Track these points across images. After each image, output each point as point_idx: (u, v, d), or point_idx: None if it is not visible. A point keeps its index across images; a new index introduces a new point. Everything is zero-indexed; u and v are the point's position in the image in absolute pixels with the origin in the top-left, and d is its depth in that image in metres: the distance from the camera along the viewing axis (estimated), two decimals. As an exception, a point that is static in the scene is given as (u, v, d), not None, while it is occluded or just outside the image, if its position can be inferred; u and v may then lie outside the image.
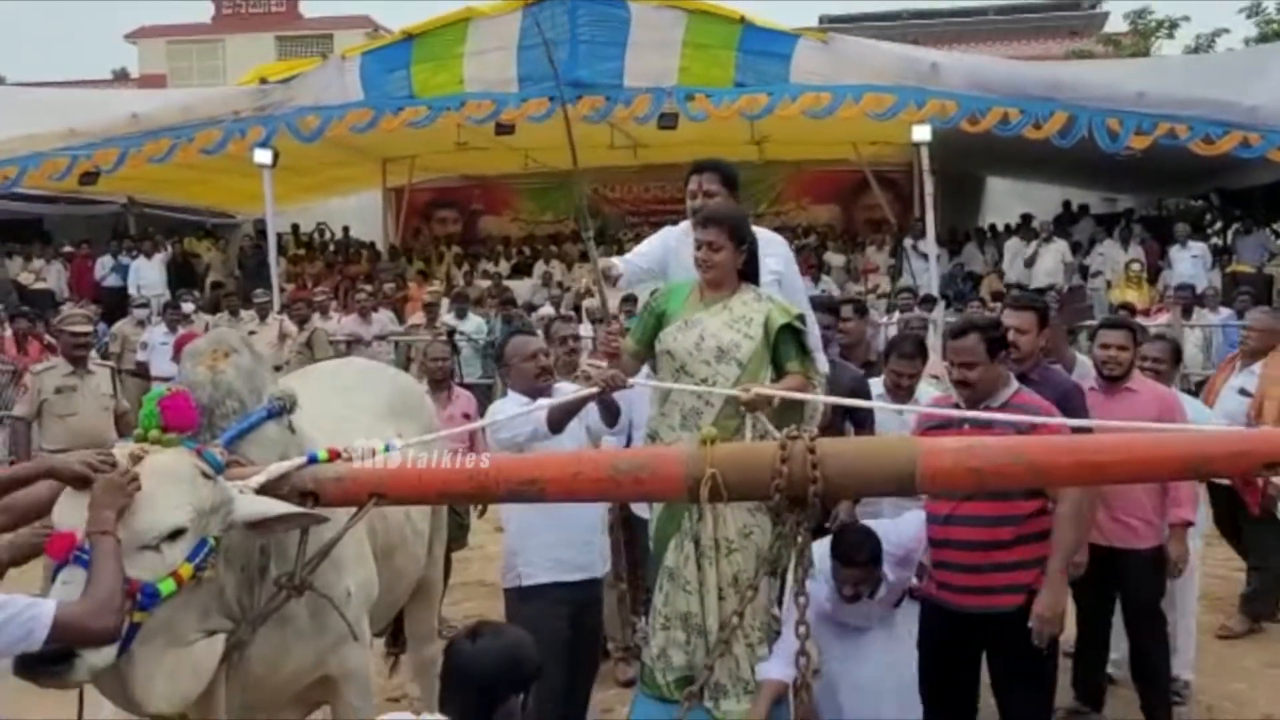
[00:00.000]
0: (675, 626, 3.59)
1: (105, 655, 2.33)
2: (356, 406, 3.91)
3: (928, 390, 4.78)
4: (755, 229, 4.34)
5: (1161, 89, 11.57)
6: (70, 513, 2.46)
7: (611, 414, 3.96)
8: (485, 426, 4.22)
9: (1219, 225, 16.99)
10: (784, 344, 3.62)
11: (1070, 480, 2.86)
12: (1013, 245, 14.56)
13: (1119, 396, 4.51)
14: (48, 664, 2.23)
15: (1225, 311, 11.23)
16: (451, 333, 10.63)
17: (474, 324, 11.80)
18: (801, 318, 3.71)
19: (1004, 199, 18.51)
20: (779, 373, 3.65)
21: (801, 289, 4.43)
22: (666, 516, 3.62)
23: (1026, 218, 15.74)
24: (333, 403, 3.73)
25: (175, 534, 2.46)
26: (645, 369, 4.09)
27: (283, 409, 3.01)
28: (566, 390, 4.16)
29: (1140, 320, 8.95)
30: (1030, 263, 14.14)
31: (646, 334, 3.81)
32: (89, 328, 6.79)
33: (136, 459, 2.51)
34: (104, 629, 2.29)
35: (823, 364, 3.90)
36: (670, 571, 3.60)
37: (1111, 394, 4.53)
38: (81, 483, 2.45)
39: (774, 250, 4.31)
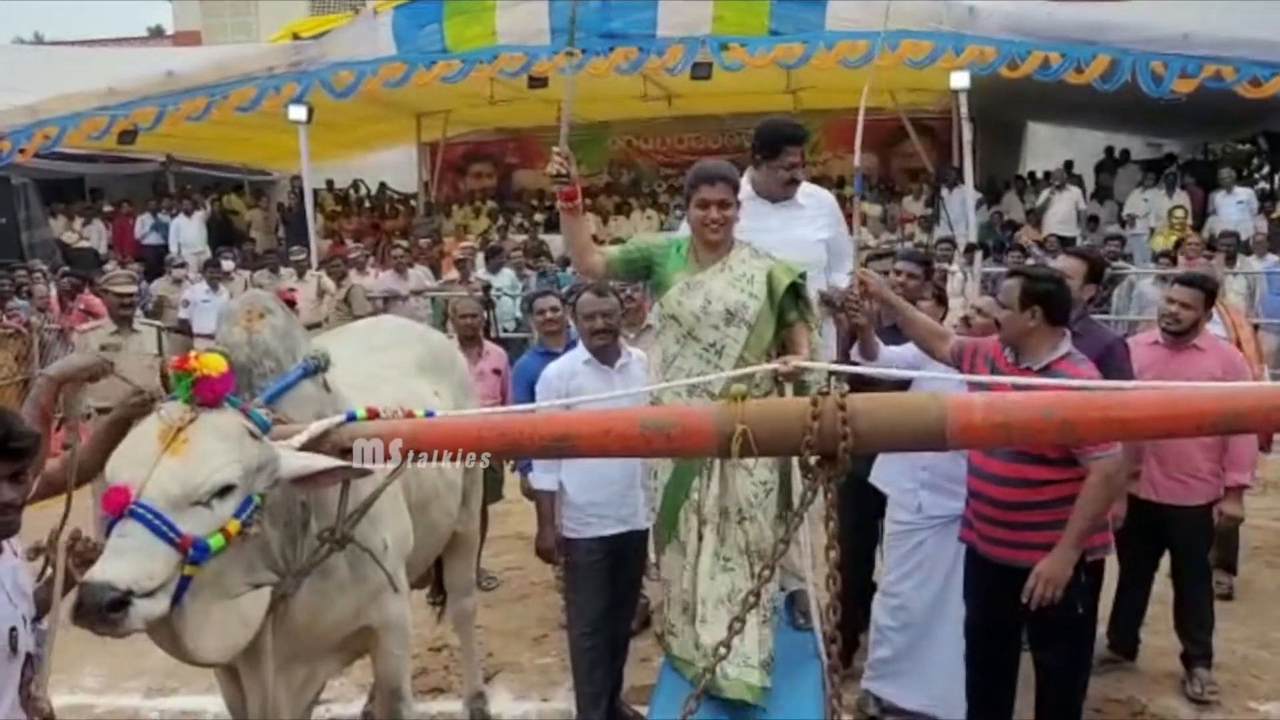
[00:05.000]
0: (677, 601, 3.64)
1: (158, 606, 2.41)
2: (389, 365, 3.97)
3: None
4: (806, 185, 4.33)
5: (1208, 30, 11.26)
6: (124, 467, 2.54)
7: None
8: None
9: (1266, 170, 16.62)
10: (786, 297, 3.57)
11: (1101, 435, 2.84)
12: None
13: (1183, 354, 4.51)
14: (103, 612, 2.32)
15: (1271, 258, 11.01)
16: (487, 288, 10.68)
17: (508, 278, 11.83)
18: (803, 275, 3.65)
19: (1045, 145, 18.20)
20: (780, 325, 3.61)
21: (848, 249, 4.38)
22: (675, 485, 3.59)
23: (1069, 164, 15.51)
24: (366, 361, 3.79)
25: (225, 491, 2.53)
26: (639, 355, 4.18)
27: (317, 367, 3.06)
28: (636, 357, 4.21)
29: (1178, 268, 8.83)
30: (1041, 210, 13.96)
31: (629, 266, 3.74)
32: (133, 288, 6.91)
33: (189, 419, 2.59)
34: None
35: (816, 311, 3.85)
36: (683, 545, 3.60)
37: (1176, 351, 4.52)
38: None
39: (823, 210, 4.27)
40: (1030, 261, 10.79)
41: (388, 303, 10.77)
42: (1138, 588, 4.82)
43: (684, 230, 3.88)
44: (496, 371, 6.00)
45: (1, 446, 2.31)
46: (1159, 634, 4.94)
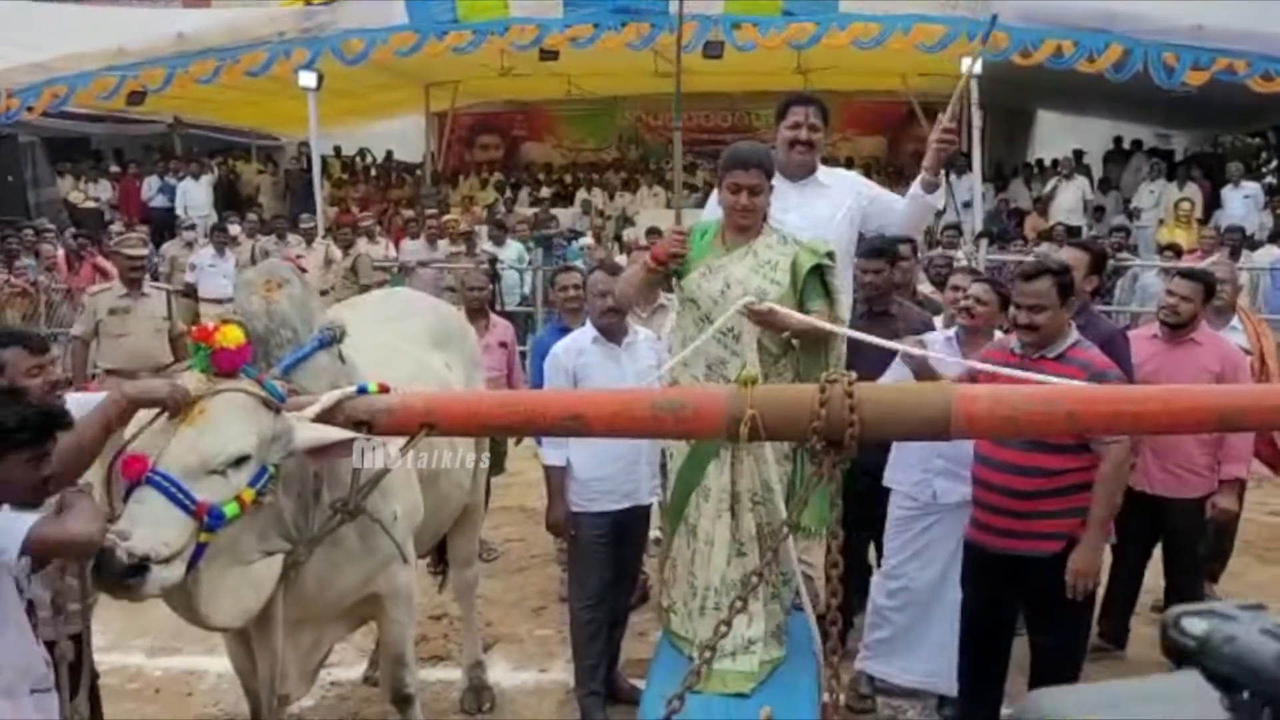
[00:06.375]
0: (683, 581, 3.68)
1: (174, 572, 2.47)
2: (402, 336, 4.01)
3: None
4: (829, 169, 4.32)
5: (1220, 22, 11.24)
6: (142, 436, 2.59)
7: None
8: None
9: (1274, 164, 16.60)
10: (810, 284, 3.51)
11: (1105, 429, 2.89)
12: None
13: (1181, 348, 4.54)
14: (121, 578, 2.37)
15: (1276, 254, 11.04)
16: (493, 260, 10.70)
17: (514, 251, 11.85)
18: (831, 254, 3.62)
19: (1054, 134, 18.15)
20: (803, 312, 3.62)
21: (889, 196, 4.33)
22: (690, 467, 3.58)
23: (1079, 154, 15.49)
24: (379, 333, 3.83)
25: (240, 460, 2.59)
26: (646, 333, 4.19)
27: (333, 339, 3.09)
28: (643, 336, 4.26)
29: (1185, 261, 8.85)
30: (1048, 199, 13.98)
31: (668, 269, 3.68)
32: (144, 251, 6.93)
33: (205, 390, 2.63)
34: (83, 533, 2.34)
35: (845, 306, 3.85)
36: (693, 527, 3.63)
37: (1174, 344, 4.55)
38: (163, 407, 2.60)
39: (846, 189, 4.21)
40: (1039, 250, 10.83)
41: (407, 271, 10.86)
42: (1129, 578, 4.87)
43: (712, 212, 3.84)
44: (503, 345, 6.04)
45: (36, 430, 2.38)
46: (1149, 623, 5.00)
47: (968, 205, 13.23)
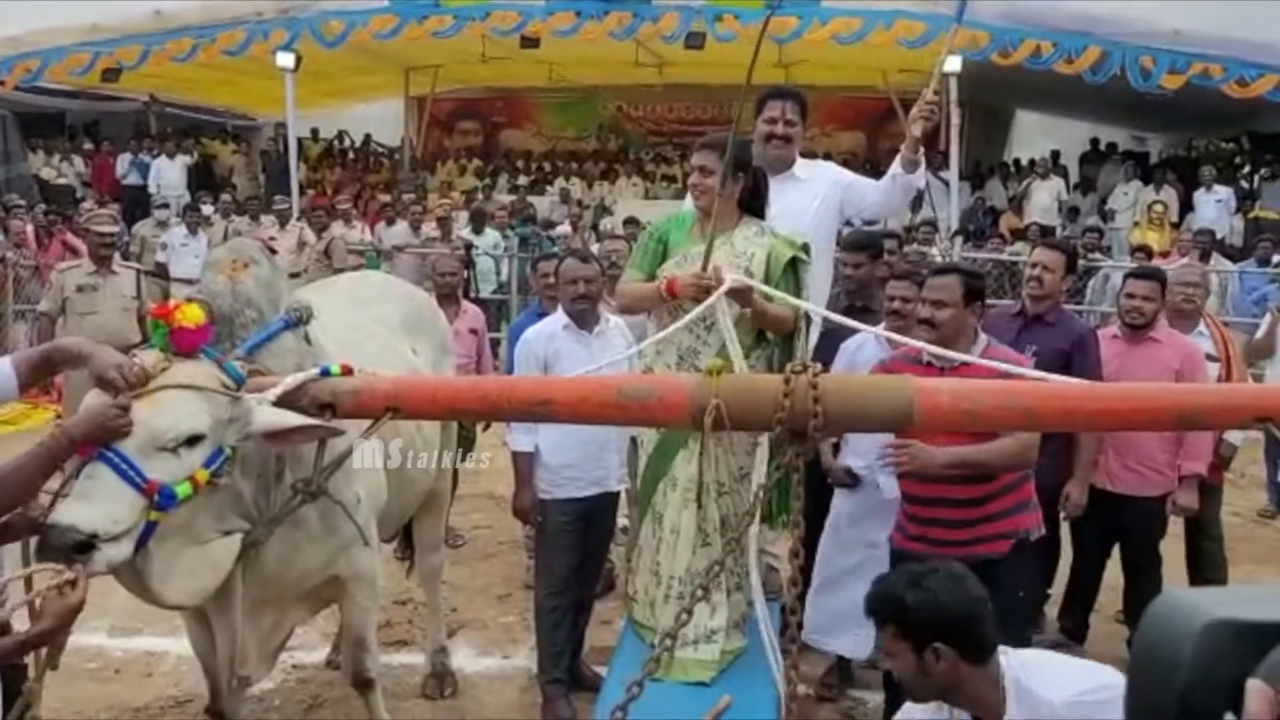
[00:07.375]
0: (646, 569, 3.70)
1: (122, 550, 2.41)
2: (372, 320, 3.98)
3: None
4: (808, 161, 4.36)
5: (1198, 27, 11.37)
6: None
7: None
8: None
9: (1247, 169, 16.76)
10: (784, 276, 3.58)
11: (1062, 425, 2.91)
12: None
13: (1143, 347, 4.57)
14: (67, 554, 2.33)
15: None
16: (468, 247, 10.66)
17: (491, 239, 11.81)
18: (806, 248, 3.67)
19: (1032, 134, 18.28)
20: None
21: (865, 182, 4.46)
22: (659, 456, 3.63)
23: (1055, 154, 15.60)
24: (349, 316, 3.80)
25: (193, 440, 2.54)
26: (617, 321, 4.16)
27: (299, 320, 3.06)
28: (614, 324, 4.24)
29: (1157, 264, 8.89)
30: (1022, 198, 14.09)
31: (654, 261, 3.78)
32: (115, 228, 6.86)
33: (161, 368, 2.60)
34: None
35: (821, 299, 3.89)
36: (660, 516, 3.66)
37: (1135, 343, 4.59)
38: (102, 382, 2.53)
39: (823, 179, 4.29)
40: (1013, 248, 10.92)
41: (386, 256, 10.82)
42: (1090, 574, 4.91)
43: (688, 203, 3.95)
44: (473, 331, 6.02)
45: None
46: (1109, 619, 5.05)
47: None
